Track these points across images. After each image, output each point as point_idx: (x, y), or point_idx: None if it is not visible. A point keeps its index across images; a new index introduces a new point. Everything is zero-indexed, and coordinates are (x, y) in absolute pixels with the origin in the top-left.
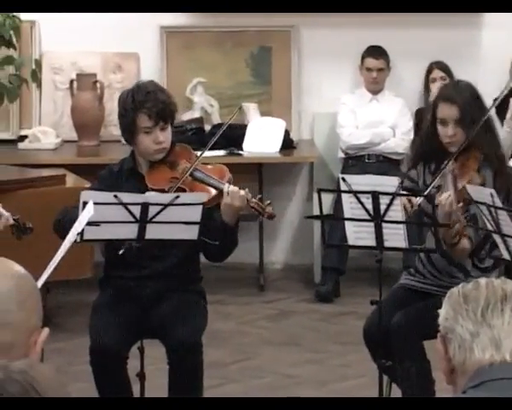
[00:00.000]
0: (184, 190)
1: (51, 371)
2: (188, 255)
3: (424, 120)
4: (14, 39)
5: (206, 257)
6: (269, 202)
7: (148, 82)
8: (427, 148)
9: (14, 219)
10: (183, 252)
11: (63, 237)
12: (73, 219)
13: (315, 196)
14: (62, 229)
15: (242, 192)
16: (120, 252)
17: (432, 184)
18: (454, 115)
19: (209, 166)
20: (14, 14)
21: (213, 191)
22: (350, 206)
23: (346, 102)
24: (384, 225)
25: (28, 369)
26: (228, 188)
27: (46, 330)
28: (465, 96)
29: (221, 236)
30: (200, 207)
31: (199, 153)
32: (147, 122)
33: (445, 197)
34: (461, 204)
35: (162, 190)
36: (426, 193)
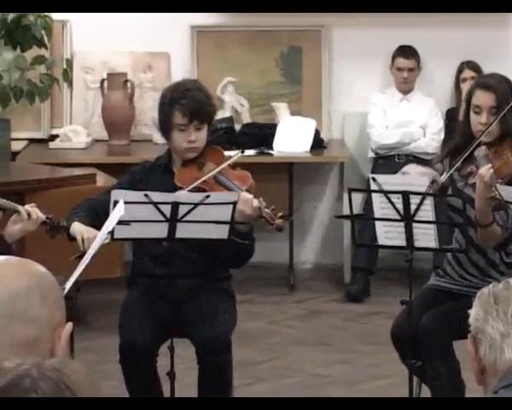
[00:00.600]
0: (205, 191)
1: (83, 370)
2: (216, 255)
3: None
4: (46, 39)
5: (224, 263)
6: (281, 213)
7: (189, 80)
8: (459, 141)
9: (47, 218)
10: (212, 251)
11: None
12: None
13: (345, 195)
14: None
15: (256, 202)
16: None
17: (458, 162)
18: (490, 103)
19: (235, 172)
20: (46, 13)
21: None
22: (380, 206)
23: (377, 101)
24: (414, 224)
25: (61, 367)
26: (242, 194)
27: (70, 325)
28: (502, 86)
29: (235, 243)
30: (231, 206)
31: (230, 153)
32: (180, 119)
33: (486, 169)
34: (499, 181)
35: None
36: (452, 171)
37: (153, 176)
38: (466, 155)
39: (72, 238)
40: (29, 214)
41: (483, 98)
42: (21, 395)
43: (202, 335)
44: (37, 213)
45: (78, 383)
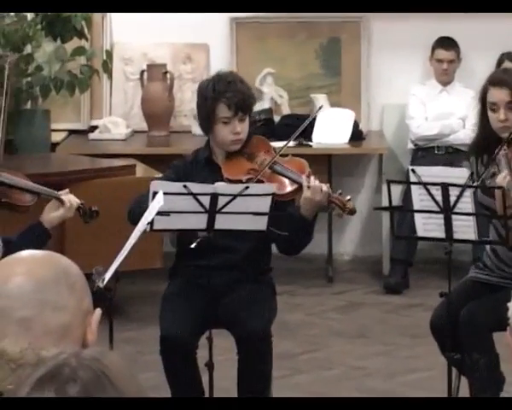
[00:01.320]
0: (263, 183)
1: (121, 360)
2: (258, 246)
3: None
4: (86, 30)
5: (279, 250)
6: (349, 197)
7: (228, 72)
8: (480, 138)
9: (80, 204)
10: (254, 243)
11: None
12: (143, 209)
13: (384, 187)
14: (135, 219)
15: (325, 187)
16: (192, 246)
17: (485, 172)
18: (505, 98)
19: (287, 159)
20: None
21: (292, 185)
22: (419, 198)
23: (416, 93)
24: (454, 217)
25: (100, 357)
26: (309, 182)
27: (99, 311)
28: None
29: (297, 229)
30: (270, 197)
31: (273, 144)
32: (226, 112)
33: (502, 177)
34: None
35: (240, 181)
36: (480, 179)
37: (196, 170)
38: (494, 161)
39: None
40: (64, 201)
41: (497, 95)
42: (61, 384)
43: (242, 325)
44: (73, 199)
45: (116, 374)
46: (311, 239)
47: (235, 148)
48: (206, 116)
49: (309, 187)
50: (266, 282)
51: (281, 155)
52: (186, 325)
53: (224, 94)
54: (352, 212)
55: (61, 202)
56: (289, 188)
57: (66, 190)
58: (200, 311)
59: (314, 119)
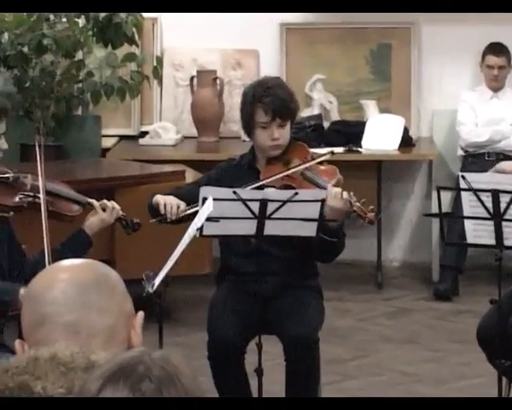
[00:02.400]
0: (293, 188)
1: (186, 362)
2: (305, 251)
3: None
4: (137, 36)
5: (315, 258)
6: (372, 207)
7: (272, 78)
8: None
9: (122, 215)
10: (300, 248)
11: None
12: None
13: (434, 193)
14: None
15: (345, 195)
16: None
17: None
18: None
19: (322, 167)
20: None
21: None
22: (469, 204)
23: (466, 99)
24: (504, 223)
25: (169, 357)
26: (331, 189)
27: (141, 314)
28: None
29: (325, 238)
30: (319, 203)
31: (317, 150)
32: (263, 117)
33: None
34: None
35: (273, 187)
36: None
37: (238, 174)
38: None
39: (155, 213)
40: (104, 209)
41: None
42: (136, 381)
43: (290, 331)
44: (114, 207)
45: (185, 374)
46: (343, 246)
47: (274, 153)
48: (247, 120)
49: (331, 194)
50: (313, 287)
51: (319, 162)
52: (234, 330)
53: (261, 99)
54: (372, 222)
55: (104, 209)
56: None
57: (108, 201)
58: (248, 316)
59: (363, 124)
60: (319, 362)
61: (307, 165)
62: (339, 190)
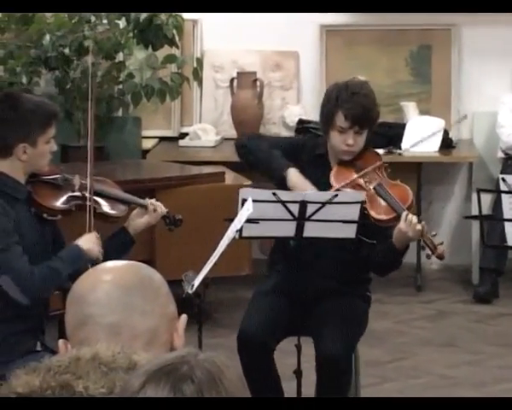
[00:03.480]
0: (364, 202)
1: (233, 366)
2: (354, 256)
3: None
4: (177, 38)
5: (369, 268)
6: (442, 241)
7: (358, 83)
8: None
9: (166, 212)
10: (349, 252)
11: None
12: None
13: (474, 196)
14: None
15: (419, 226)
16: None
17: None
18: None
19: (394, 182)
20: (177, 12)
21: (391, 213)
22: (510, 206)
23: (507, 101)
24: None
25: (216, 360)
26: (407, 216)
27: (184, 317)
28: None
29: (386, 254)
30: (359, 205)
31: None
32: (342, 122)
33: None
34: None
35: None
36: None
37: (309, 161)
38: None
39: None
40: (149, 208)
41: None
42: (177, 381)
43: (324, 346)
44: (159, 207)
45: (230, 378)
46: (399, 266)
47: (345, 158)
48: (326, 119)
49: (405, 220)
50: (362, 295)
51: (389, 178)
52: (265, 326)
53: (344, 104)
54: (441, 257)
55: (146, 209)
56: (387, 216)
57: (153, 199)
58: (286, 315)
59: (403, 126)
60: (351, 377)
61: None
62: (414, 218)
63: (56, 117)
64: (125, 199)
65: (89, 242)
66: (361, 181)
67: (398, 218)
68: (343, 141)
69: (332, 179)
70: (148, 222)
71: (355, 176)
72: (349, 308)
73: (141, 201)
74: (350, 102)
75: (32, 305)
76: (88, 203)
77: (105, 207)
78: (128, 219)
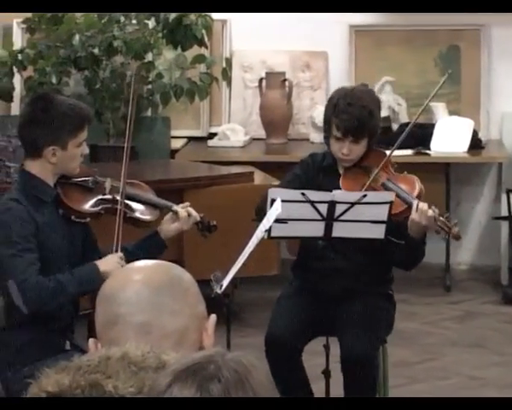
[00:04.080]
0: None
1: (261, 366)
2: (378, 256)
3: None
4: (206, 38)
5: (394, 264)
6: (456, 221)
7: (359, 90)
8: None
9: (200, 218)
10: (375, 251)
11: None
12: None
13: (503, 196)
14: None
15: (430, 212)
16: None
17: None
18: None
19: (401, 176)
20: (207, 13)
21: (402, 205)
22: None
23: None
24: None
25: (244, 360)
26: (417, 204)
27: (214, 317)
28: None
29: (407, 248)
30: (388, 206)
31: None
32: (336, 132)
33: None
34: None
35: None
36: None
37: (319, 173)
38: None
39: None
40: (181, 214)
41: None
42: (204, 380)
43: (348, 345)
44: (192, 213)
45: (257, 379)
46: (423, 256)
47: (344, 164)
48: (325, 125)
49: (416, 209)
50: (386, 295)
51: (396, 171)
52: (292, 328)
53: (339, 114)
54: (457, 237)
55: (177, 214)
56: (399, 209)
57: (187, 203)
58: (312, 315)
59: (432, 126)
60: (377, 376)
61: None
62: (425, 206)
63: (89, 121)
64: (157, 204)
65: (109, 264)
66: (369, 181)
67: (410, 208)
68: (339, 149)
69: (342, 186)
70: (180, 228)
71: (367, 182)
72: (373, 307)
73: (173, 206)
74: (344, 113)
75: (33, 315)
76: (119, 207)
77: (136, 211)
78: (160, 224)
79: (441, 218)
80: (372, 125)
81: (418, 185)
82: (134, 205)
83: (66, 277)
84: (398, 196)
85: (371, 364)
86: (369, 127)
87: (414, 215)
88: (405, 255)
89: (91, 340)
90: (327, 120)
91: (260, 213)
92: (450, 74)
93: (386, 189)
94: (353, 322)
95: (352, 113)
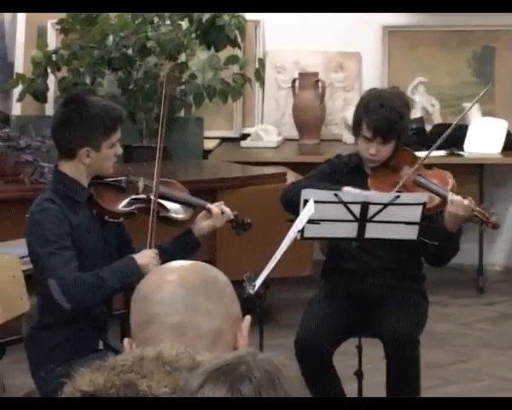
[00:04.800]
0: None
1: (292, 366)
2: (409, 254)
3: None
4: (239, 39)
5: (426, 261)
6: (493, 211)
7: (392, 93)
8: None
9: (234, 215)
10: (406, 250)
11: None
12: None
13: None
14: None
15: (466, 202)
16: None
17: None
18: None
19: (430, 172)
20: (240, 13)
21: (436, 199)
22: None
23: None
24: None
25: (275, 361)
26: (452, 196)
27: (248, 318)
28: None
29: (441, 241)
30: (421, 207)
31: (422, 153)
32: (366, 132)
33: None
34: None
35: None
36: None
37: (346, 173)
38: None
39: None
40: (213, 211)
41: None
42: (235, 381)
43: (391, 329)
44: (225, 211)
45: (288, 379)
46: (458, 251)
47: (370, 165)
48: (354, 125)
49: (452, 202)
50: (419, 291)
51: (425, 167)
52: (322, 330)
53: (369, 114)
54: (495, 226)
55: (211, 212)
56: (433, 202)
57: (221, 202)
58: (344, 317)
59: (465, 127)
60: (419, 361)
61: (416, 168)
62: (459, 197)
63: (121, 122)
64: (190, 202)
65: (145, 257)
66: (399, 179)
67: (445, 202)
68: (366, 149)
69: (371, 186)
70: (213, 225)
71: (396, 181)
72: (409, 300)
73: (206, 204)
74: (375, 114)
75: (75, 311)
76: (152, 207)
77: (169, 210)
78: (193, 222)
79: (478, 208)
80: (401, 127)
81: (451, 179)
82: (167, 204)
83: (104, 271)
84: (431, 190)
85: (415, 343)
86: (398, 129)
87: (450, 207)
88: (440, 250)
89: (126, 340)
90: (357, 120)
91: (290, 205)
92: (484, 74)
93: (419, 185)
94: (391, 311)
95: (383, 114)
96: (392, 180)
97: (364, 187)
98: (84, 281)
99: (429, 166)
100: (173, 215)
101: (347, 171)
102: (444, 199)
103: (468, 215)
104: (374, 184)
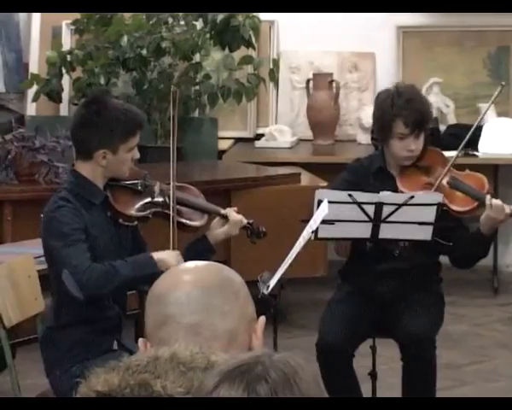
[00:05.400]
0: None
1: (309, 367)
2: (428, 256)
3: None
4: (254, 39)
5: (451, 262)
6: None
7: (408, 87)
8: None
9: (248, 223)
10: (422, 252)
11: None
12: None
13: None
14: None
15: (507, 210)
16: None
17: None
18: None
19: (464, 174)
20: (254, 14)
21: (474, 202)
22: None
23: None
24: None
25: (291, 361)
26: (492, 200)
27: (263, 318)
28: None
29: (474, 244)
30: (435, 207)
31: (450, 153)
32: (403, 129)
33: None
34: None
35: None
36: None
37: (370, 177)
38: None
39: None
40: (229, 218)
41: None
42: (252, 381)
43: (407, 329)
44: (240, 218)
45: (304, 380)
46: (487, 255)
47: (406, 163)
48: (382, 129)
49: (491, 206)
50: (436, 293)
51: (457, 169)
52: (343, 332)
53: (402, 111)
54: None
55: (226, 219)
56: (470, 205)
57: (234, 208)
58: (362, 318)
59: (480, 128)
60: (436, 364)
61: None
62: (499, 202)
63: (141, 127)
64: (205, 208)
65: (165, 253)
66: (432, 180)
67: (482, 205)
68: (404, 147)
69: (401, 187)
70: (228, 232)
71: (427, 181)
72: (426, 301)
73: (222, 210)
74: (407, 109)
75: (88, 301)
76: (171, 213)
77: (184, 216)
78: (208, 228)
79: None
80: (430, 117)
81: (486, 181)
82: (183, 209)
83: (119, 262)
84: (467, 193)
85: (431, 345)
86: (429, 119)
87: (489, 211)
88: (470, 252)
89: (141, 340)
90: (387, 122)
91: None
92: (499, 75)
93: (454, 187)
94: (408, 313)
95: (414, 107)
96: (423, 180)
97: (393, 190)
98: (98, 269)
99: (462, 168)
100: (188, 222)
101: (371, 174)
102: (480, 203)
103: (505, 220)
104: (404, 185)
